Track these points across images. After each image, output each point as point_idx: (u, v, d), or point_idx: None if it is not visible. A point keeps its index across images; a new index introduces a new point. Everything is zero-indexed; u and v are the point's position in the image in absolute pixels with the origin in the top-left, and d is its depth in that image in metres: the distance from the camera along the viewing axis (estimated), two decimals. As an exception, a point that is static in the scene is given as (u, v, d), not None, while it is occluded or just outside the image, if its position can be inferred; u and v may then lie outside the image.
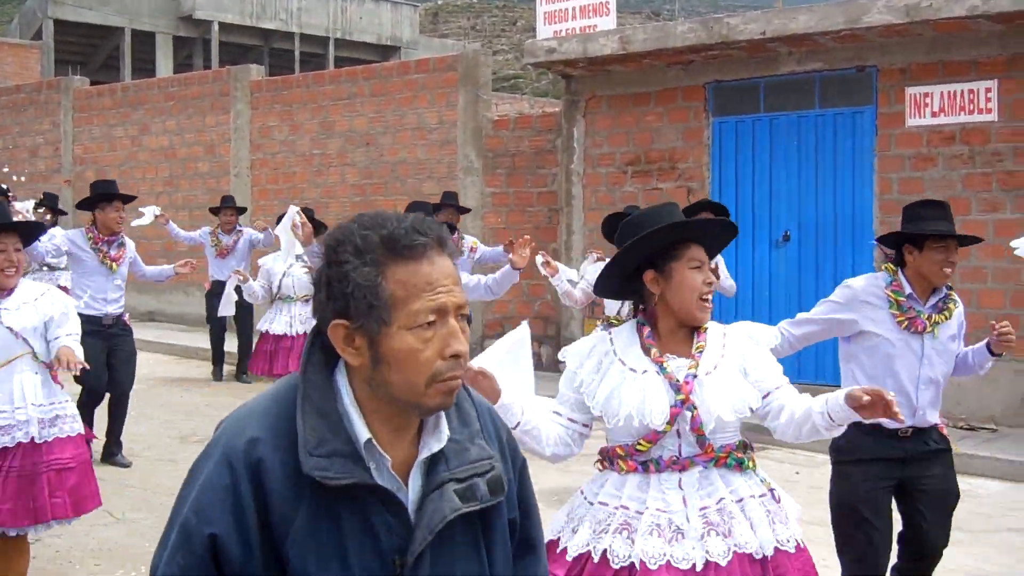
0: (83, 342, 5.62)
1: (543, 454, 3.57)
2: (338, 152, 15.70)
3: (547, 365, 13.36)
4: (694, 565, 3.24)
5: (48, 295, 5.54)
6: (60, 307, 5.51)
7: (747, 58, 11.60)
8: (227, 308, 10.62)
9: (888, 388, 4.68)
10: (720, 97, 12.02)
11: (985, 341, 5.05)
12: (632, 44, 11.79)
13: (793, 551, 3.37)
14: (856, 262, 11.11)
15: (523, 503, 2.30)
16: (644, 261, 3.51)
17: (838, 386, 3.93)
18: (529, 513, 2.32)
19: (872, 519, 4.79)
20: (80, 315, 6.77)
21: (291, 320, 10.20)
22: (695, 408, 3.34)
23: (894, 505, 4.93)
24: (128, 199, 9.09)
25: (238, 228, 13.21)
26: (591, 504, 3.55)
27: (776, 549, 3.33)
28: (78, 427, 5.53)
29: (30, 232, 5.77)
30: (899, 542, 5.04)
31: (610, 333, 3.61)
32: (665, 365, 3.42)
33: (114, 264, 8.69)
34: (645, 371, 3.43)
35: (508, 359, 4.13)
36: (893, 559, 4.97)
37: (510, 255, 7.74)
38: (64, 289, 9.18)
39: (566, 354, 3.69)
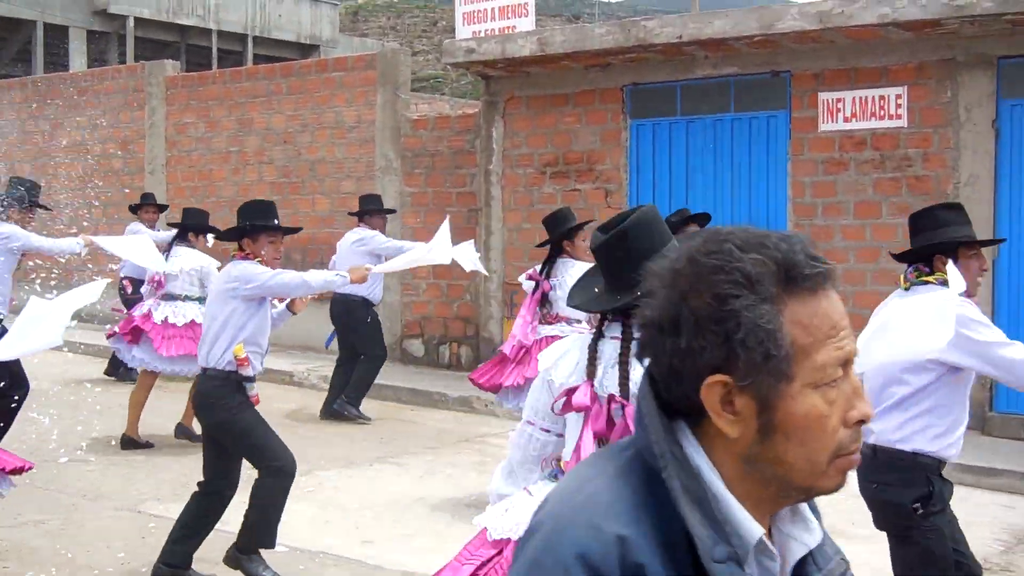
0: None
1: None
2: (255, 150, 15.55)
3: (466, 365, 13.38)
4: None
5: None
6: None
7: (664, 61, 11.71)
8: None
9: (961, 418, 4.58)
10: (637, 99, 12.12)
11: None
12: (550, 46, 11.84)
13: None
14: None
15: None
16: None
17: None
18: None
19: (965, 559, 4.51)
20: None
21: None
22: None
23: None
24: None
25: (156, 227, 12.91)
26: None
27: None
28: None
29: None
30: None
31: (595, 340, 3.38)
32: None
33: None
34: None
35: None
36: None
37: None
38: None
39: (540, 365, 3.51)
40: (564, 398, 3.35)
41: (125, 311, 11.22)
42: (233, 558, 6.06)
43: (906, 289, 4.63)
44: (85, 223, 15.89)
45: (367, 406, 11.05)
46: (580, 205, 12.33)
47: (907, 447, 4.41)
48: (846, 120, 10.78)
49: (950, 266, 4.28)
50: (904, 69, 10.48)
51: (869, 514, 4.69)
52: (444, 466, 9.00)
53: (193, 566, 6.04)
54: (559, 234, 8.11)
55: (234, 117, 15.81)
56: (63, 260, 10.10)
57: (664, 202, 11.92)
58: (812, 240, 1.55)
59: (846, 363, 1.52)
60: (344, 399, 10.84)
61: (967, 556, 4.56)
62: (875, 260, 10.59)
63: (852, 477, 1.79)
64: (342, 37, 41.16)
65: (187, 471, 7.88)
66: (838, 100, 10.80)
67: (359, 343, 11.02)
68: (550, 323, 8.08)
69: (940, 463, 4.45)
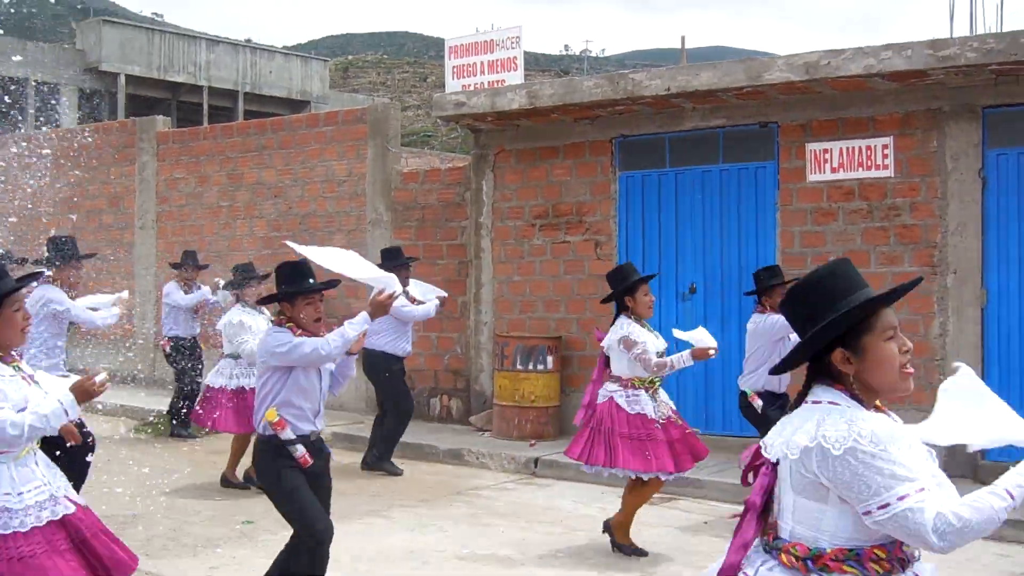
0: None
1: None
2: (246, 204, 15.59)
3: (457, 417, 13.34)
4: None
5: None
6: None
7: (652, 113, 11.79)
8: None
9: None
10: (626, 151, 12.19)
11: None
12: (539, 99, 11.92)
13: None
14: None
15: None
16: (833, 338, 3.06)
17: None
18: None
19: None
20: None
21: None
22: None
23: None
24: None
25: (197, 285, 12.95)
26: None
27: None
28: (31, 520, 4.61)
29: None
30: None
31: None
32: None
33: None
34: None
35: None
36: None
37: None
38: None
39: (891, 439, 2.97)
40: None
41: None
42: None
43: None
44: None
45: (356, 458, 11.08)
46: (570, 257, 12.37)
47: None
48: (834, 170, 10.84)
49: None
50: (890, 119, 10.57)
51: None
52: (436, 519, 8.93)
53: None
54: (620, 290, 7.95)
55: (225, 172, 15.86)
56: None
57: (653, 253, 11.96)
58: None
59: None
60: (376, 454, 10.97)
61: None
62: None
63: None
64: (332, 93, 41.44)
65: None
66: (825, 151, 10.87)
67: (382, 396, 11.06)
68: (607, 380, 8.03)
69: None
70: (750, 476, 3.22)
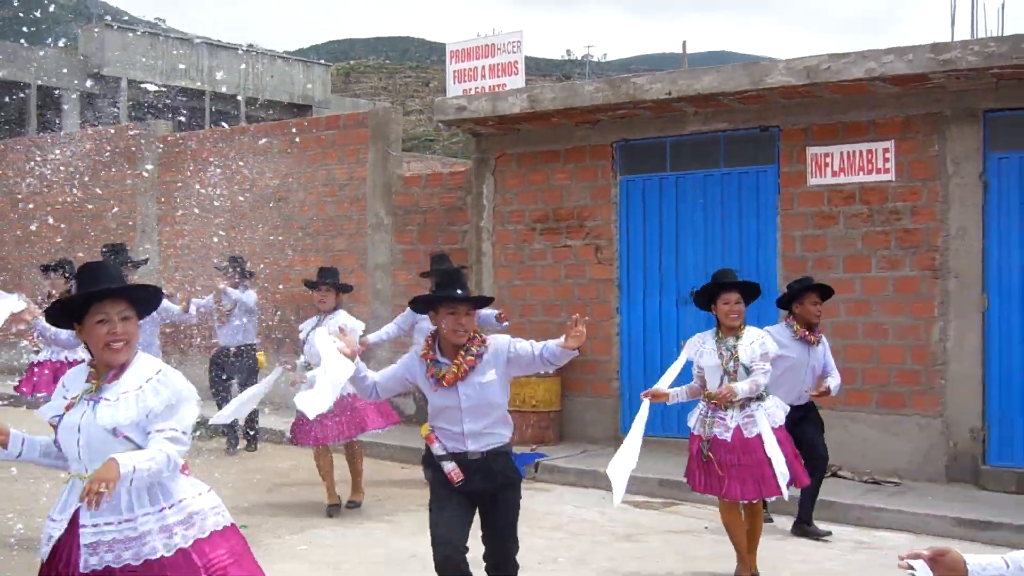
0: None
1: None
2: (247, 208, 15.59)
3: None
4: None
5: (158, 379, 4.23)
6: (166, 396, 4.19)
7: (653, 117, 11.79)
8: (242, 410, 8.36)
9: None
10: (627, 156, 12.19)
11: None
12: (541, 103, 11.92)
13: None
14: (761, 318, 11.26)
15: None
16: None
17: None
18: None
19: None
20: None
21: None
22: None
23: None
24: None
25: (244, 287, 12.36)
26: None
27: None
28: (223, 519, 4.32)
29: (146, 299, 4.40)
30: None
31: None
32: None
33: None
34: None
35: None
36: None
37: (505, 323, 7.90)
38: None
39: None
40: None
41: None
42: None
43: None
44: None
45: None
46: (571, 261, 12.36)
47: None
48: (835, 174, 10.83)
49: None
50: (892, 123, 10.56)
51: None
52: (436, 523, 8.92)
53: None
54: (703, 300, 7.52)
55: (226, 176, 15.86)
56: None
57: (654, 258, 11.96)
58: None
59: None
60: None
61: None
62: (866, 313, 10.60)
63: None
64: (334, 97, 41.47)
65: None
66: (826, 154, 10.86)
67: None
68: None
69: None
70: None
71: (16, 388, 11.16)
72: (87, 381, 4.19)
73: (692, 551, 8.21)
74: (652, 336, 11.95)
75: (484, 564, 5.77)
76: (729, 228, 11.55)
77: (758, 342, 7.22)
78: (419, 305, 5.89)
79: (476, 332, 5.68)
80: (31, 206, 18.36)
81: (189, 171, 16.35)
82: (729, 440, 7.08)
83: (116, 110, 33.71)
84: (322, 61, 45.10)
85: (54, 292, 11.07)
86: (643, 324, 12.03)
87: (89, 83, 33.66)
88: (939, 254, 10.31)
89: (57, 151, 18.21)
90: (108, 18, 46.71)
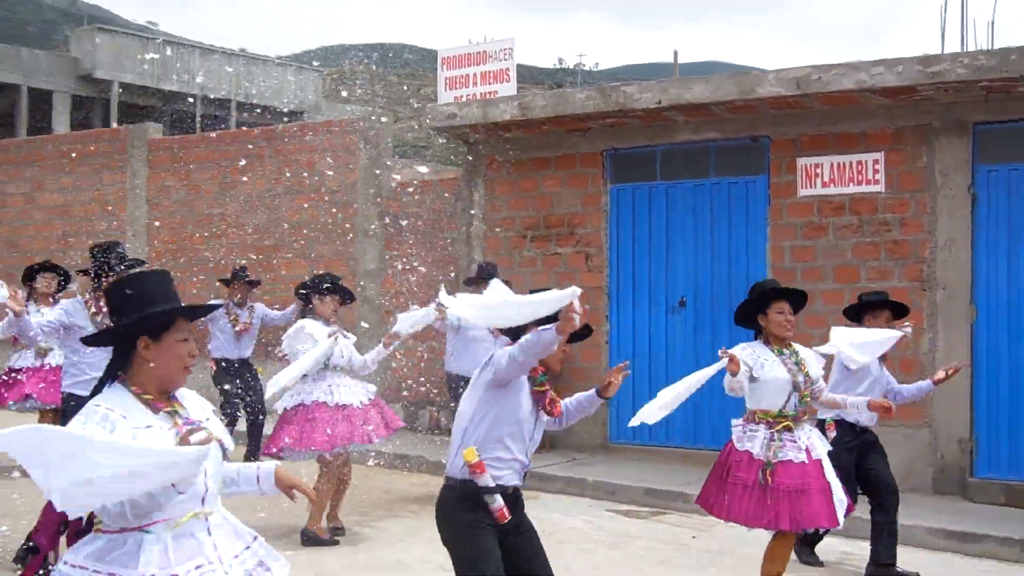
0: None
1: None
2: (237, 213, 15.56)
3: (445, 429, 13.30)
4: None
5: (200, 396, 3.94)
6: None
7: (644, 126, 11.80)
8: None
9: None
10: (618, 164, 12.20)
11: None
12: (531, 110, 11.93)
13: None
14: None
15: None
16: None
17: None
18: None
19: None
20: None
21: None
22: None
23: None
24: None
25: (251, 306, 11.87)
26: None
27: None
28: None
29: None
30: None
31: None
32: None
33: None
34: None
35: None
36: None
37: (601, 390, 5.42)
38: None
39: None
40: None
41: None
42: None
43: None
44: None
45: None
46: (561, 268, 12.37)
47: None
48: (824, 185, 10.86)
49: None
50: (881, 134, 10.59)
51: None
52: (424, 529, 8.89)
53: None
54: (753, 307, 7.00)
55: (216, 180, 15.84)
56: None
57: (643, 266, 11.97)
58: None
59: None
60: None
61: None
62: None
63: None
64: (326, 103, 41.44)
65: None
66: (816, 165, 10.89)
67: None
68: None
69: None
70: None
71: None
72: (151, 407, 3.61)
73: (678, 560, 8.20)
74: (641, 344, 11.96)
75: None
76: (719, 238, 11.57)
77: (813, 356, 6.87)
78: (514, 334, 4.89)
79: None
80: (20, 207, 18.33)
81: (179, 175, 16.32)
82: (807, 462, 6.44)
83: (106, 113, 33.67)
84: (314, 66, 45.03)
85: (45, 291, 10.97)
86: (632, 332, 12.04)
87: (80, 86, 33.62)
88: (927, 265, 10.34)
89: (47, 153, 18.15)
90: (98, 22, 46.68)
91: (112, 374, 3.64)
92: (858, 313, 8.12)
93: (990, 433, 10.13)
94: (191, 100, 35.62)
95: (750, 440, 6.60)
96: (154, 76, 34.94)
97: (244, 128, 18.23)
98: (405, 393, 13.82)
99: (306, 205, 14.88)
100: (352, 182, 14.46)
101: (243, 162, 15.51)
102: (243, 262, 12.96)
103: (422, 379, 13.65)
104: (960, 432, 10.15)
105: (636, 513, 9.91)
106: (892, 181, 10.53)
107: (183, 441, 3.47)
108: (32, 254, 17.06)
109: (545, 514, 9.75)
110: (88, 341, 3.86)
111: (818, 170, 10.90)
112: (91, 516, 3.53)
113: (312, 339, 8.56)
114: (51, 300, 10.82)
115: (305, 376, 8.60)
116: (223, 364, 11.63)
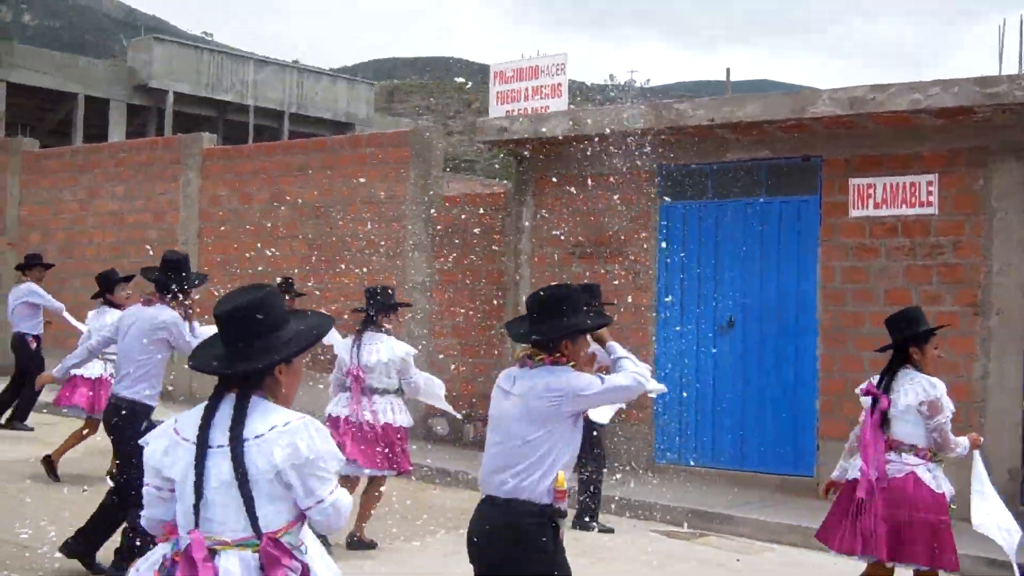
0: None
1: None
2: (287, 223, 15.65)
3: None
4: None
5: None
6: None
7: (696, 144, 11.74)
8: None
9: None
10: (668, 181, 12.15)
11: None
12: (583, 126, 11.91)
13: None
14: (799, 348, 11.18)
15: None
16: None
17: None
18: None
19: None
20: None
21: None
22: None
23: None
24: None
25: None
26: None
27: None
28: None
29: None
30: None
31: None
32: None
33: None
34: None
35: None
36: None
37: None
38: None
39: None
40: None
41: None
42: None
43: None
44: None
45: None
46: (609, 286, 12.31)
47: None
48: (876, 206, 10.75)
49: None
50: (936, 156, 10.46)
51: None
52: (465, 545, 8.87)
53: None
54: (906, 337, 6.70)
55: (267, 191, 15.94)
56: None
57: (693, 285, 11.89)
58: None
59: None
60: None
61: None
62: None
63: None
64: (377, 116, 41.70)
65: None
66: (869, 186, 10.78)
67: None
68: (889, 448, 6.53)
69: None
70: None
71: (56, 401, 11.18)
72: None
73: (722, 583, 8.13)
74: (689, 363, 11.88)
75: None
76: (769, 257, 11.47)
77: None
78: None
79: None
80: (75, 215, 18.55)
81: (231, 184, 16.45)
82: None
83: (161, 122, 34.05)
84: (366, 79, 45.33)
85: (125, 302, 10.75)
86: (680, 352, 11.96)
87: (135, 95, 34.04)
88: (981, 290, 10.19)
89: (102, 160, 18.37)
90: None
91: (248, 393, 3.64)
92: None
93: (1043, 461, 9.96)
94: (246, 111, 35.94)
95: (945, 481, 6.52)
96: (209, 86, 35.29)
97: (296, 139, 18.34)
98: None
99: (355, 217, 14.92)
100: (402, 195, 14.50)
101: (295, 173, 15.61)
102: (290, 276, 12.91)
103: (467, 394, 13.63)
104: (1012, 461, 9.98)
105: (677, 534, 9.83)
106: (946, 203, 10.40)
107: None
108: (86, 261, 17.27)
109: (584, 532, 9.69)
110: (239, 374, 3.65)
111: (871, 191, 10.79)
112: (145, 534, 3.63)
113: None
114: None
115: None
116: None
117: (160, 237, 17.31)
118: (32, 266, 13.62)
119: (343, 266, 14.78)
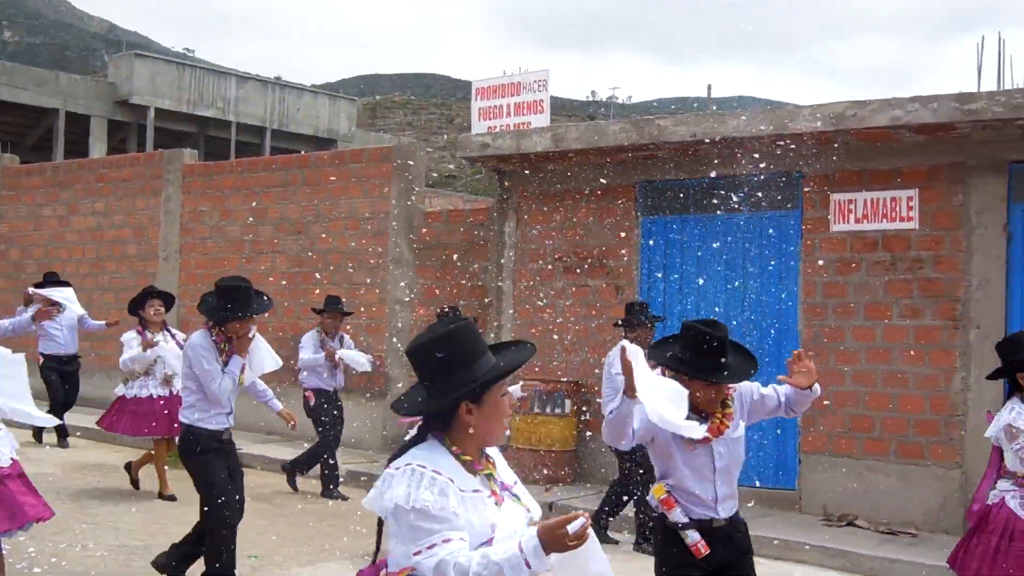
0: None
1: None
2: (269, 239, 15.63)
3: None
4: None
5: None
6: None
7: (677, 159, 11.79)
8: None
9: None
10: (650, 197, 12.18)
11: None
12: (565, 142, 11.94)
13: None
14: (780, 363, 11.19)
15: None
16: None
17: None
18: None
19: None
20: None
21: None
22: None
23: None
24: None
25: (340, 336, 11.68)
26: None
27: None
28: None
29: None
30: None
31: None
32: None
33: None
34: None
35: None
36: None
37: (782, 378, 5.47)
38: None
39: None
40: None
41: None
42: None
43: None
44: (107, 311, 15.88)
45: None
46: (591, 301, 12.34)
47: None
48: (857, 221, 10.80)
49: None
50: (916, 171, 10.52)
51: None
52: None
53: None
54: (1010, 362, 6.38)
55: (249, 206, 15.92)
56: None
57: (674, 300, 11.92)
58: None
59: None
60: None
61: None
62: (886, 361, 10.52)
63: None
64: (359, 132, 41.69)
65: None
66: (850, 201, 10.83)
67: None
68: (1001, 476, 6.35)
69: None
70: None
71: (99, 422, 11.11)
72: (470, 469, 3.31)
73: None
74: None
75: None
76: (750, 272, 11.51)
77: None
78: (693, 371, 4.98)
79: None
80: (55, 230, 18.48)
81: (212, 200, 16.41)
82: None
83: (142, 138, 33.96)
84: (348, 96, 45.31)
85: (156, 320, 10.69)
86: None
87: (117, 111, 33.94)
88: (961, 304, 10.24)
89: (82, 176, 18.31)
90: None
91: (425, 435, 3.37)
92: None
93: (1023, 475, 9.99)
94: (227, 127, 35.88)
95: (1008, 496, 6.25)
96: (191, 102, 35.22)
97: (278, 155, 18.32)
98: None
99: (337, 233, 14.91)
100: (384, 211, 14.49)
101: (277, 189, 15.59)
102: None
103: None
104: (992, 473, 10.01)
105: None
106: (926, 218, 10.46)
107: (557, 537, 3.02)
108: (66, 276, 17.18)
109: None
110: (405, 414, 3.47)
111: (851, 206, 10.84)
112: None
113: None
114: (164, 327, 10.85)
115: None
116: (320, 396, 11.39)
117: (140, 253, 17.27)
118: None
119: (325, 282, 14.76)
